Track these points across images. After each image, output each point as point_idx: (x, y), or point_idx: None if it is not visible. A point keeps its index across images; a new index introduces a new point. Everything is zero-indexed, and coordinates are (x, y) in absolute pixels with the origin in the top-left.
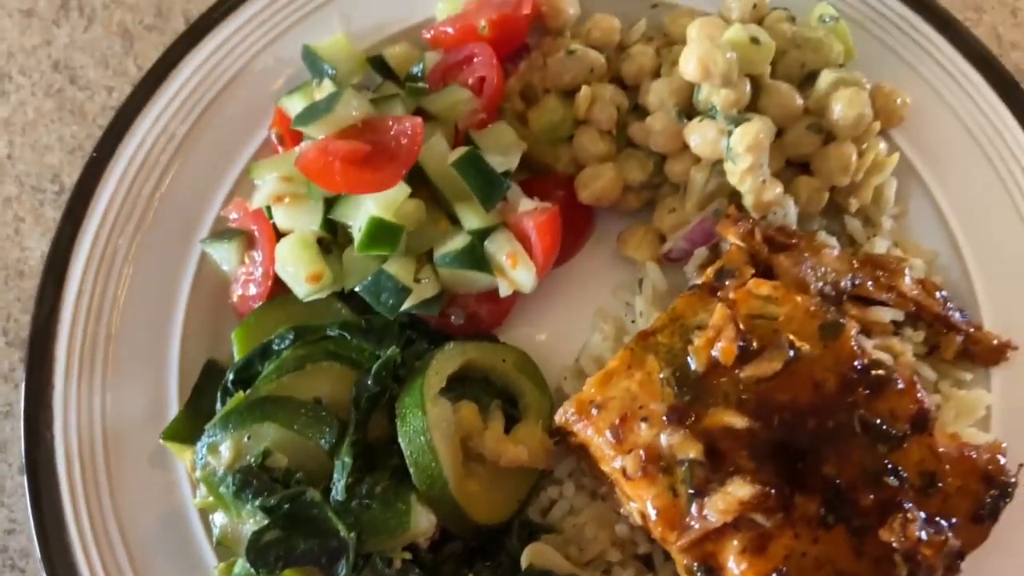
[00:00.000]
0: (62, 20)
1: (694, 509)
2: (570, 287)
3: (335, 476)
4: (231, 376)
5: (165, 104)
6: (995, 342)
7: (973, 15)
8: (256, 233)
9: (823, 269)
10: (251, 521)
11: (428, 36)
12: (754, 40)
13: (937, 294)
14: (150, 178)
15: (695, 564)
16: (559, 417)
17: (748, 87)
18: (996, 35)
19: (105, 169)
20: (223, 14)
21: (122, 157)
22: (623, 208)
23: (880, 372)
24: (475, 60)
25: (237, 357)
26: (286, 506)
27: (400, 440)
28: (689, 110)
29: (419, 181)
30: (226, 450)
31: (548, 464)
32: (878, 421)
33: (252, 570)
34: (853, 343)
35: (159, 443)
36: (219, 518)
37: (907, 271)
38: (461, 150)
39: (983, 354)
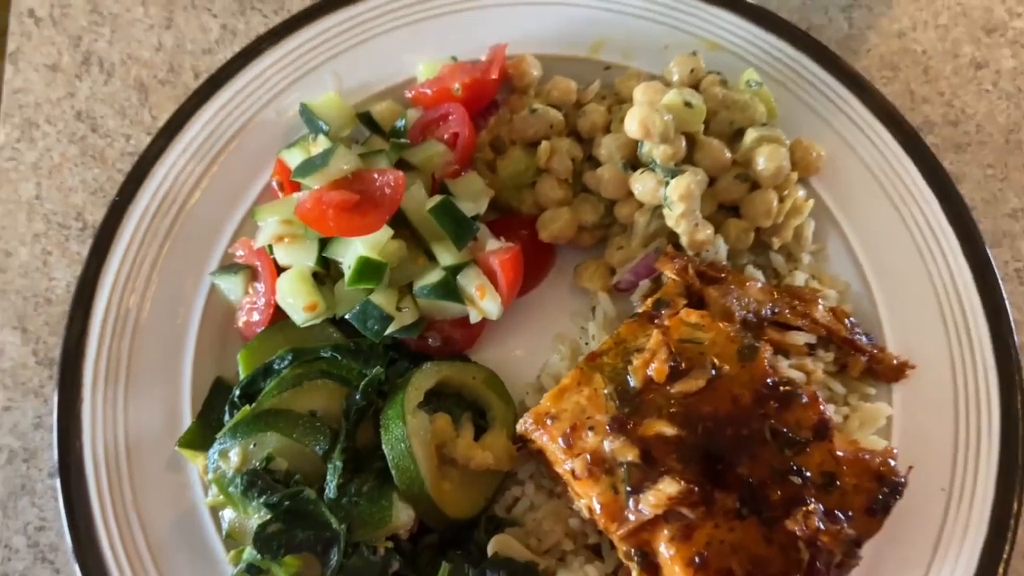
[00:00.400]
0: (84, 74)
1: (631, 504)
2: (533, 313)
3: (328, 477)
4: (237, 392)
5: (179, 154)
6: (896, 362)
7: (889, 73)
8: (259, 268)
9: (747, 299)
10: (256, 516)
11: (410, 95)
12: (687, 104)
13: (846, 320)
14: (166, 218)
15: (633, 550)
16: (520, 427)
17: (683, 143)
18: (909, 91)
19: (126, 210)
20: (230, 74)
21: (141, 199)
22: (579, 245)
23: (787, 388)
24: (450, 118)
25: (242, 375)
26: (286, 503)
27: (384, 446)
28: (634, 162)
29: (401, 224)
30: (235, 455)
31: (512, 467)
32: (785, 429)
33: (258, 555)
34: (766, 364)
35: (175, 450)
36: (228, 514)
37: (820, 301)
38: (437, 198)
39: (885, 372)
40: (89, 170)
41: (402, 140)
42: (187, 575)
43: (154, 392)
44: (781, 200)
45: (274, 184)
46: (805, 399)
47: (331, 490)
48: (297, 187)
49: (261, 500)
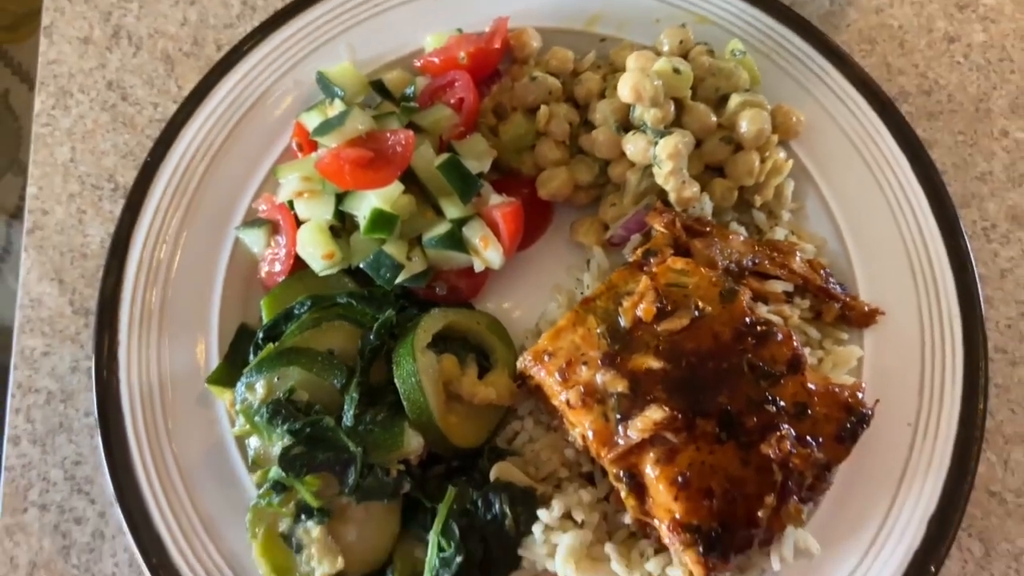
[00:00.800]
0: (114, 47)
1: (620, 430)
2: (532, 266)
3: (345, 407)
4: (261, 334)
5: (204, 119)
6: (867, 309)
7: (867, 46)
8: (280, 221)
9: (729, 251)
10: (279, 443)
11: (418, 64)
12: (676, 70)
13: (821, 271)
14: (193, 178)
15: (621, 472)
16: (520, 364)
17: (672, 107)
18: (886, 63)
19: (156, 170)
20: (251, 46)
21: (170, 161)
22: (575, 202)
23: (764, 327)
24: (456, 84)
25: (265, 320)
26: (308, 429)
27: (396, 381)
28: (626, 125)
29: (411, 180)
30: (260, 387)
31: (512, 403)
32: (761, 363)
33: (283, 473)
34: (745, 305)
35: (204, 387)
36: (254, 442)
37: (798, 253)
38: (444, 156)
39: (857, 318)
40: (120, 136)
41: (412, 104)
42: (215, 499)
43: (184, 336)
44: (763, 161)
45: (294, 145)
46: (780, 336)
47: (348, 418)
48: (315, 148)
49: (285, 427)
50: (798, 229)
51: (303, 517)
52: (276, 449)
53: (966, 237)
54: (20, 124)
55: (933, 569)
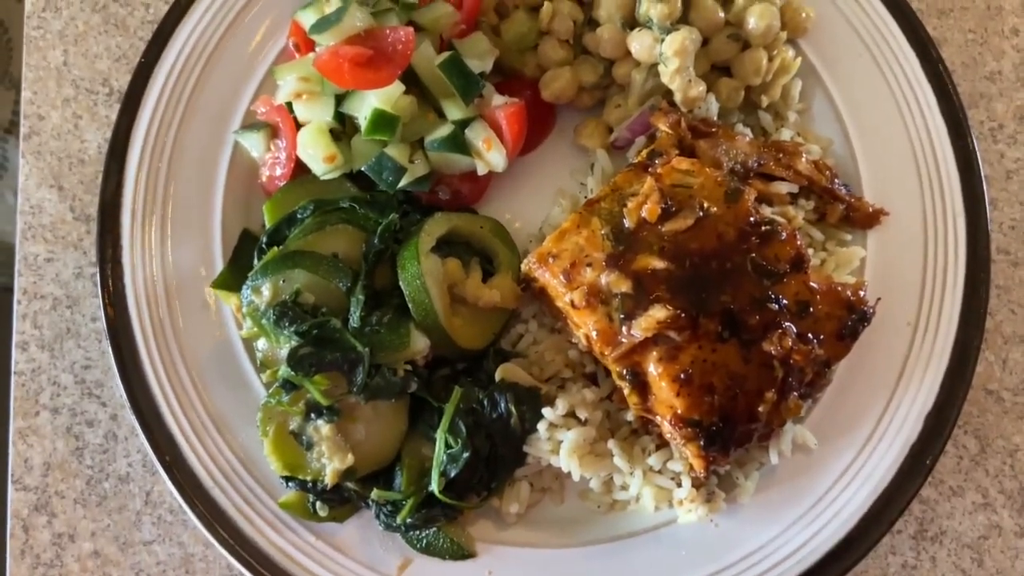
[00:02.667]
0: None
1: (624, 329)
2: (536, 170)
3: (351, 309)
4: (264, 239)
5: (198, 19)
6: (871, 209)
7: None
8: (280, 124)
9: (735, 151)
10: (287, 345)
11: None
12: None
13: (827, 172)
14: (189, 80)
15: (625, 370)
16: (524, 266)
17: (679, 2)
18: None
19: (151, 73)
20: None
21: (165, 63)
22: (579, 105)
23: (768, 227)
24: None
25: (268, 225)
26: (315, 331)
27: (401, 283)
28: (632, 22)
29: (412, 80)
30: (266, 290)
31: (516, 305)
32: (764, 262)
33: (292, 372)
34: (749, 205)
35: (209, 291)
36: (261, 344)
37: (803, 154)
38: (445, 54)
39: (861, 219)
40: (112, 38)
41: (411, 1)
42: (226, 399)
43: (188, 240)
44: (770, 59)
45: (291, 45)
46: (784, 235)
47: (355, 320)
48: (313, 47)
49: (292, 329)
50: (805, 130)
51: (313, 416)
52: (284, 351)
53: (973, 138)
54: (10, 36)
55: (928, 463)
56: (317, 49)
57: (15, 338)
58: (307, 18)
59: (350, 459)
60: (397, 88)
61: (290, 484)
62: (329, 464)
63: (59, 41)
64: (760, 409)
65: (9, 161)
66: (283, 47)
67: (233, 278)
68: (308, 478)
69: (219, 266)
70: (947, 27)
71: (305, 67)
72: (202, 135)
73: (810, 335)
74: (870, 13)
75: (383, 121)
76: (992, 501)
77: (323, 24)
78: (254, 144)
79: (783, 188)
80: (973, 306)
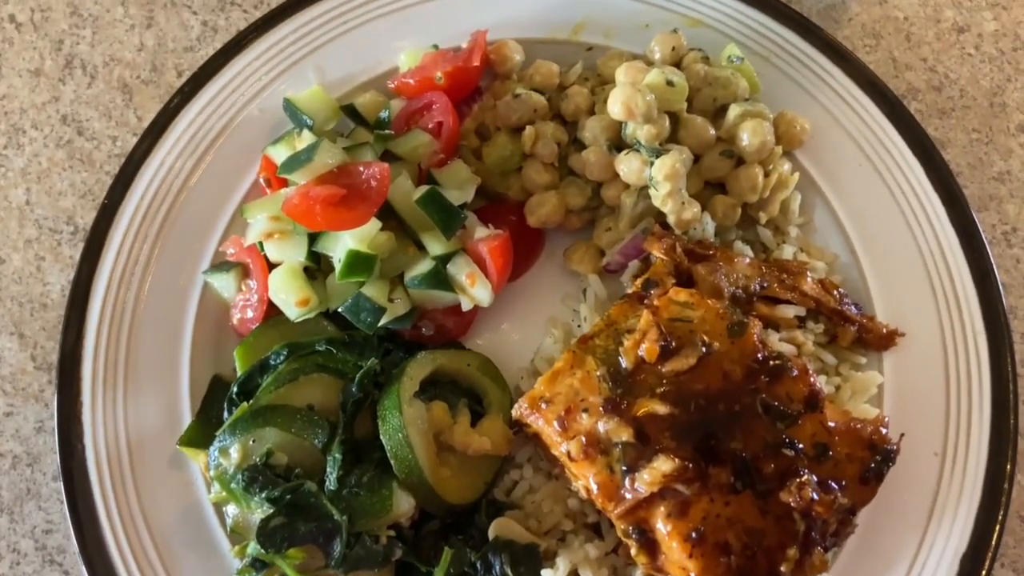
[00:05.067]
0: (67, 78)
1: (627, 483)
2: (525, 298)
3: (328, 469)
4: (235, 388)
5: (166, 153)
6: (885, 330)
7: (872, 41)
8: (251, 265)
9: (735, 275)
10: (259, 511)
11: (392, 86)
12: (669, 83)
13: (835, 291)
14: (156, 219)
15: (631, 528)
16: (515, 412)
17: (667, 122)
18: (892, 59)
19: (116, 212)
20: (212, 71)
21: (131, 201)
22: (567, 228)
23: (778, 362)
24: (434, 107)
25: (239, 372)
26: (288, 496)
27: (382, 437)
28: (619, 143)
29: (389, 215)
30: (235, 452)
31: (509, 451)
32: (776, 403)
33: (263, 550)
34: (756, 339)
35: (176, 448)
36: (231, 510)
37: (808, 273)
38: (423, 188)
39: (875, 341)
40: (78, 173)
41: (387, 131)
42: (193, 571)
43: (153, 392)
44: (767, 175)
45: (261, 181)
46: (795, 372)
47: (331, 482)
48: (285, 183)
49: (263, 495)
50: (807, 245)
51: None
52: (256, 517)
53: (986, 243)
54: None
55: None
56: (289, 186)
57: None
58: (278, 153)
59: None
60: (373, 226)
61: None
62: None
63: (22, 179)
64: (783, 568)
65: None
66: (254, 181)
67: (203, 433)
68: None
69: (187, 419)
70: (949, 127)
71: (276, 205)
72: (170, 276)
73: (831, 481)
74: (867, 121)
75: (359, 262)
76: None
77: (293, 163)
78: (225, 285)
79: (790, 311)
80: (1003, 428)
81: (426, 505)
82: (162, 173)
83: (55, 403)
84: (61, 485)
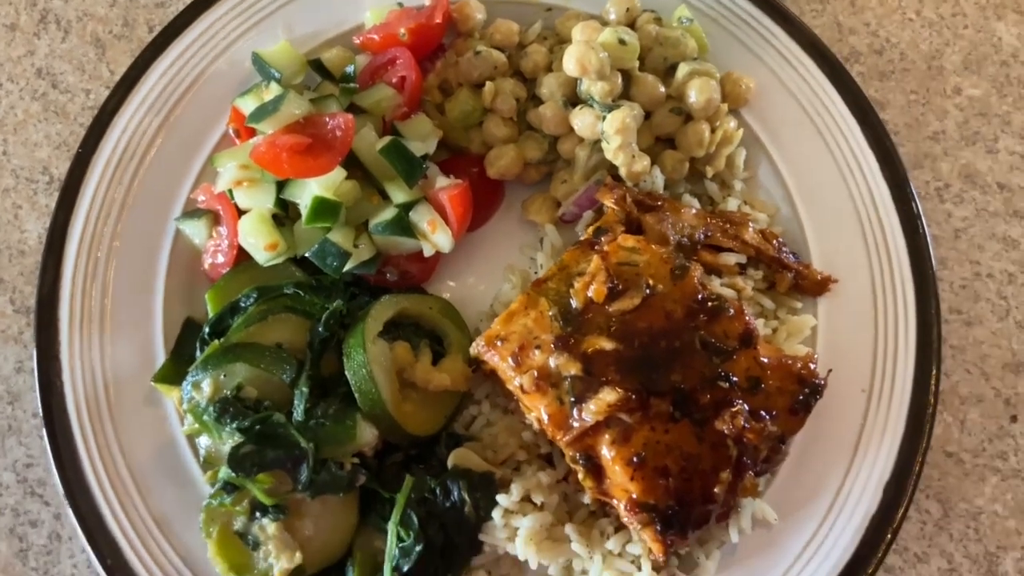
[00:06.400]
0: (42, 32)
1: (575, 413)
2: (485, 247)
3: (295, 402)
4: (207, 329)
5: (137, 105)
6: (819, 277)
7: (818, 6)
8: (221, 212)
9: (681, 224)
10: (230, 441)
11: (358, 41)
12: (621, 41)
13: (774, 241)
14: (128, 168)
15: (578, 454)
16: (473, 349)
17: (619, 79)
18: (837, 23)
19: (90, 162)
20: (183, 25)
21: (104, 151)
22: (525, 180)
23: (716, 303)
24: (397, 62)
25: (211, 314)
26: (257, 427)
27: (347, 372)
28: (574, 99)
29: (354, 165)
30: (207, 386)
31: (468, 388)
32: (713, 340)
33: (233, 474)
34: (696, 281)
35: (150, 385)
36: (204, 441)
37: (751, 224)
38: (387, 139)
39: (810, 287)
40: (52, 125)
41: (352, 85)
42: (169, 499)
43: (128, 333)
44: (713, 131)
45: (231, 131)
46: (732, 311)
47: (299, 413)
48: (253, 133)
49: (233, 426)
50: (751, 198)
51: (258, 514)
52: (227, 447)
53: (918, 199)
54: None
55: (891, 532)
56: (256, 136)
57: None
58: (246, 105)
59: (298, 557)
60: (339, 174)
61: None
62: (276, 564)
63: None
64: (716, 490)
65: None
66: (223, 132)
67: (176, 371)
68: None
69: (161, 358)
70: (889, 89)
71: (244, 154)
72: (143, 223)
73: (763, 411)
74: (809, 81)
75: (325, 208)
76: (958, 566)
77: (261, 113)
78: (196, 231)
79: (731, 259)
80: (926, 369)
81: (389, 436)
82: (134, 124)
83: (34, 342)
84: (41, 421)
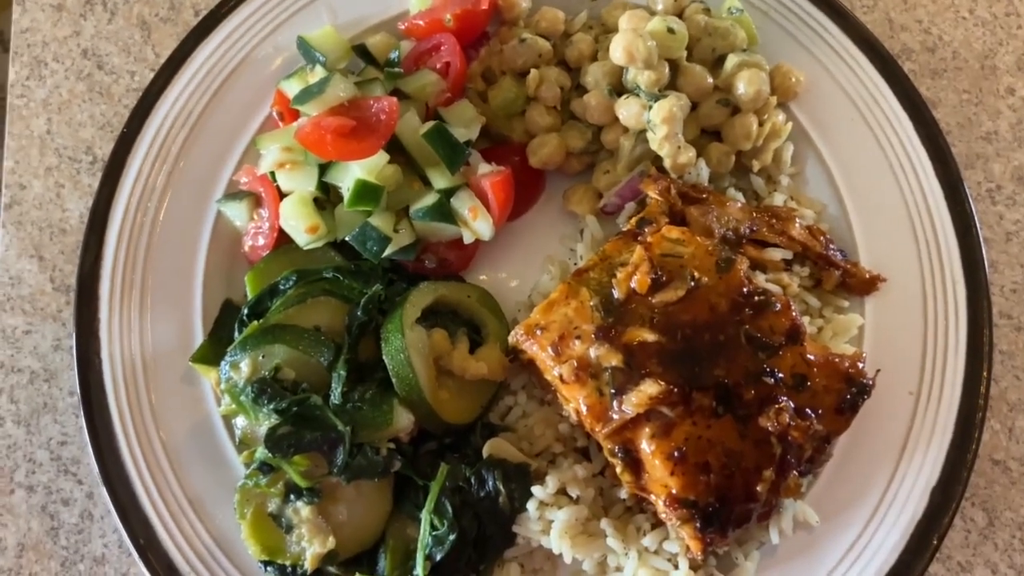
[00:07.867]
0: (88, 14)
1: (615, 405)
2: (525, 236)
3: (333, 385)
4: (246, 311)
5: (183, 87)
6: (867, 275)
7: (869, 2)
8: (263, 194)
9: (726, 218)
10: (267, 422)
11: (403, 27)
12: (670, 30)
13: (821, 237)
14: (172, 149)
15: (616, 447)
16: (512, 338)
17: (667, 69)
18: (888, 19)
19: (134, 142)
20: (229, 9)
21: (148, 132)
22: (567, 170)
23: (762, 297)
24: (442, 48)
25: (250, 296)
26: (295, 408)
27: (384, 357)
28: (620, 88)
29: (396, 149)
30: (245, 366)
31: (505, 377)
32: (759, 334)
33: (270, 455)
34: (742, 274)
35: (188, 365)
36: (240, 421)
37: (797, 219)
38: (430, 124)
39: (858, 286)
40: (97, 106)
41: (397, 70)
42: (203, 479)
43: (167, 313)
44: (761, 124)
45: (274, 114)
46: (778, 306)
47: (336, 396)
48: (297, 116)
49: (271, 407)
50: (797, 194)
51: (292, 497)
52: (263, 428)
53: (970, 199)
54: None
55: (936, 539)
56: (300, 119)
57: None
58: (291, 88)
59: (331, 542)
60: (381, 158)
61: (268, 569)
62: (309, 548)
63: (43, 109)
64: (758, 488)
65: None
66: (267, 115)
67: (213, 351)
68: (287, 563)
69: (199, 339)
70: (940, 88)
71: (288, 136)
72: (184, 204)
73: (808, 410)
74: (861, 76)
75: (366, 191)
76: None
77: (306, 95)
78: (237, 213)
79: (777, 255)
80: (976, 373)
81: (425, 423)
82: (178, 106)
83: (74, 317)
84: (77, 400)
